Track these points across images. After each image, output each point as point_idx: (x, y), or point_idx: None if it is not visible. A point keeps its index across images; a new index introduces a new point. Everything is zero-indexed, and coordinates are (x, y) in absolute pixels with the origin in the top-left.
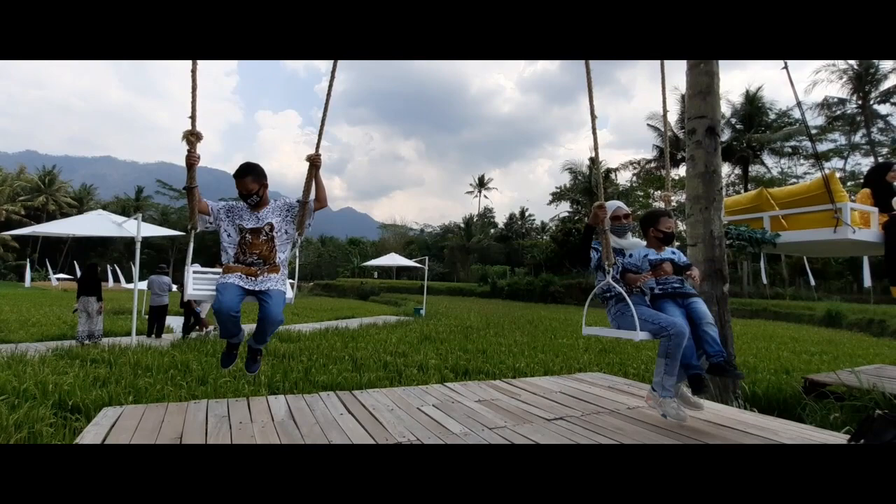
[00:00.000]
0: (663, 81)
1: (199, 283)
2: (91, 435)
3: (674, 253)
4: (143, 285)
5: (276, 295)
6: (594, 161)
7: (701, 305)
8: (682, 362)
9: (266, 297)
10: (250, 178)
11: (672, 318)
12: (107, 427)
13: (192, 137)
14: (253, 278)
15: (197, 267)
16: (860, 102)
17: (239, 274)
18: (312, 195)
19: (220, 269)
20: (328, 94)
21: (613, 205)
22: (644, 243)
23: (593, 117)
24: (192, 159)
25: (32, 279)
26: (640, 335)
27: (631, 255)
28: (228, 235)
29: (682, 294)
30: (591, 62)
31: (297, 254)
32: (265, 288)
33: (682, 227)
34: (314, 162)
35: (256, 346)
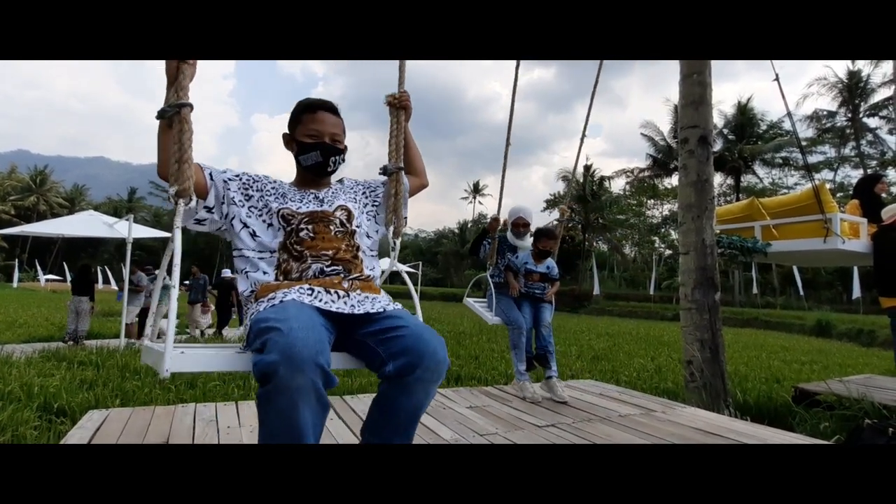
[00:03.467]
0: (596, 83)
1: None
2: (75, 438)
3: (548, 268)
4: None
5: (409, 317)
6: (587, 168)
7: (545, 311)
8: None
9: (396, 320)
10: (340, 119)
11: (521, 316)
12: (91, 430)
13: None
14: (342, 293)
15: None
16: (850, 115)
17: (308, 286)
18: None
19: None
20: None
21: (518, 212)
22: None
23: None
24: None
25: (21, 280)
26: (494, 320)
27: (518, 257)
28: (253, 235)
29: (538, 299)
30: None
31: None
32: (378, 308)
33: (674, 235)
34: (401, 103)
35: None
